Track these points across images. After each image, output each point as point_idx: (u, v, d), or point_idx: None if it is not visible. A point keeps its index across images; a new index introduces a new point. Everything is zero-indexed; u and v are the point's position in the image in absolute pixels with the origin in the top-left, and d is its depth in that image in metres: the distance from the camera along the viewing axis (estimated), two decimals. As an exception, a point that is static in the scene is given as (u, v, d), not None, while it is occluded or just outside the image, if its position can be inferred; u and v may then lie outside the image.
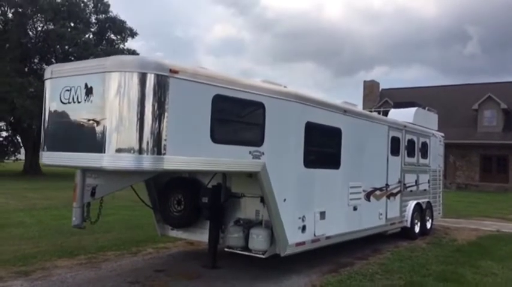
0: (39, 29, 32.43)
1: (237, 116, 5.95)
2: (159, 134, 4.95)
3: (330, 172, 7.60)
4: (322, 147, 7.61)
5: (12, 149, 36.77)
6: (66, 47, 32.52)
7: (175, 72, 5.06)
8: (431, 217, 11.61)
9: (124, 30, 34.37)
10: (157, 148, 4.93)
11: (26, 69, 30.84)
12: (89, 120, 5.08)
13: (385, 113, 11.59)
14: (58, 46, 32.51)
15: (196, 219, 7.13)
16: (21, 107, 26.65)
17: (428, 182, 11.64)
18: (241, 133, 6.01)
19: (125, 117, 4.91)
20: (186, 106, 5.19)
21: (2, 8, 30.98)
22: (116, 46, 34.66)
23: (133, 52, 35.20)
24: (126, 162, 4.90)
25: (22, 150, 35.57)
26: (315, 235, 7.10)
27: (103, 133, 4.93)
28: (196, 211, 7.03)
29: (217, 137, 5.48)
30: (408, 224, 10.35)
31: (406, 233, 10.43)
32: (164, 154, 4.96)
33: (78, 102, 5.18)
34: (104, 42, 35.11)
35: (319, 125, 7.23)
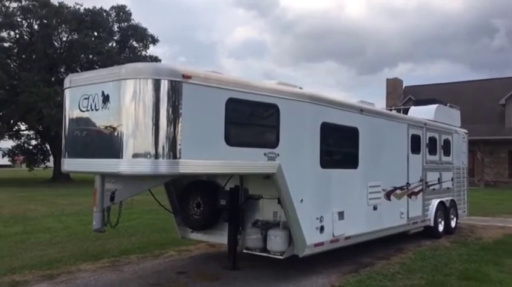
0: (64, 39, 33.34)
1: (251, 119, 6.01)
2: (174, 138, 5.05)
3: (347, 171, 7.58)
4: (339, 147, 7.60)
5: (41, 157, 37.89)
6: (91, 55, 33.31)
7: (188, 77, 5.16)
8: (456, 216, 11.39)
9: (146, 38, 35.00)
10: (173, 152, 5.04)
11: (53, 79, 31.69)
12: (106, 127, 5.24)
13: (406, 111, 11.48)
14: (83, 55, 33.34)
15: (216, 221, 7.21)
16: (49, 116, 27.39)
17: (452, 180, 11.43)
18: (256, 135, 6.07)
19: (140, 123, 5.03)
20: (200, 110, 5.28)
21: (28, 21, 31.96)
22: (138, 53, 35.30)
23: (155, 59, 35.80)
24: (143, 167, 5.02)
25: (51, 158, 36.57)
26: (333, 236, 7.09)
27: (120, 139, 5.07)
28: (215, 214, 7.11)
29: (231, 139, 5.56)
30: (431, 223, 10.20)
31: (429, 232, 10.28)
32: (180, 157, 5.06)
33: (96, 109, 5.34)
34: (127, 50, 35.80)
35: (335, 125, 7.23)
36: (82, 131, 5.55)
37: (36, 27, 32.29)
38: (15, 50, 32.95)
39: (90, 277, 6.67)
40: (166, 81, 5.06)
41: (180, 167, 5.07)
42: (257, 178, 6.64)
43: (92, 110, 5.38)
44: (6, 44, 32.02)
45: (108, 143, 5.18)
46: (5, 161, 52.70)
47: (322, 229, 6.85)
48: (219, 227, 7.26)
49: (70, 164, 5.75)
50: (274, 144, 6.11)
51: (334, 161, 7.36)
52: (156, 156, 5.00)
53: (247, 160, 5.75)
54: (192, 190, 7.38)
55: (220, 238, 7.32)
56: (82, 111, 5.51)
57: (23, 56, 32.96)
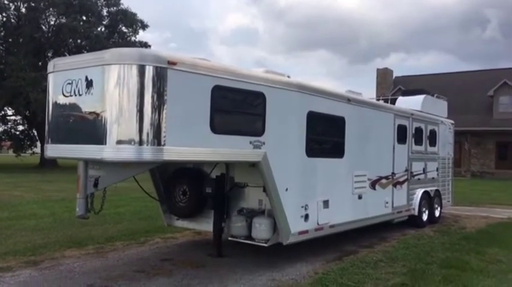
0: (52, 23, 32.87)
1: (237, 107, 5.99)
2: (159, 125, 5.02)
3: (333, 160, 7.61)
4: (325, 136, 7.62)
5: (28, 143, 37.49)
6: (79, 40, 32.87)
7: (174, 63, 5.11)
8: (440, 205, 11.54)
9: (135, 23, 34.60)
10: (157, 139, 5.01)
11: (40, 63, 31.27)
12: (89, 112, 5.18)
13: (394, 101, 11.53)
14: (71, 40, 32.90)
15: (201, 209, 7.21)
16: (36, 101, 27.08)
17: (437, 170, 11.55)
18: (242, 123, 6.05)
19: (124, 109, 4.99)
20: (185, 97, 5.25)
21: (15, 3, 31.40)
22: (128, 39, 34.92)
23: (144, 44, 35.47)
24: (127, 153, 4.99)
25: (38, 143, 36.22)
26: (318, 224, 7.15)
27: (103, 125, 5.03)
28: (201, 201, 7.11)
29: (217, 127, 5.54)
30: (416, 212, 10.32)
31: (413, 222, 10.40)
32: (164, 145, 5.04)
33: (79, 95, 5.28)
34: (116, 35, 35.37)
35: (321, 114, 7.24)
36: (65, 117, 5.49)
37: (23, 10, 31.74)
38: (2, 34, 32.42)
39: (74, 263, 6.66)
40: (151, 67, 5.01)
41: (165, 154, 5.06)
42: (243, 166, 6.64)
43: (76, 95, 5.32)
44: (-8, 27, 31.51)
45: (91, 129, 5.14)
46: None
47: (306, 217, 6.90)
48: (205, 215, 7.26)
49: (53, 150, 5.70)
50: (260, 132, 6.11)
51: (320, 150, 7.38)
52: (141, 143, 4.97)
53: (233, 148, 5.74)
54: (178, 178, 7.37)
55: (205, 226, 7.33)
56: (65, 96, 5.44)
57: (10, 40, 32.43)
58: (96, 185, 5.44)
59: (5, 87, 28.26)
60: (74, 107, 5.36)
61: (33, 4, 30.64)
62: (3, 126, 37.10)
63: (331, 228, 7.52)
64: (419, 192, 10.51)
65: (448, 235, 9.69)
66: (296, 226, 6.68)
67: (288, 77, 7.12)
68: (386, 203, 9.27)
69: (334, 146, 7.78)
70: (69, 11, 31.69)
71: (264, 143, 6.11)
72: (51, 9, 31.58)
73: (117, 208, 12.02)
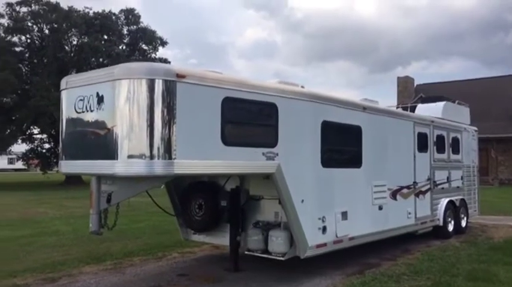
0: (74, 43, 33.63)
1: (248, 118, 5.92)
2: (169, 139, 4.98)
3: (350, 171, 7.45)
4: (341, 146, 7.47)
5: (55, 160, 38.18)
6: (101, 59, 33.52)
7: (182, 76, 5.09)
8: (466, 215, 11.16)
9: (154, 40, 35.16)
10: (168, 152, 4.97)
11: (64, 82, 31.85)
12: (101, 128, 5.19)
13: (413, 109, 11.30)
14: (93, 59, 33.56)
15: (217, 223, 7.13)
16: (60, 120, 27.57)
17: (462, 178, 11.21)
18: (254, 135, 5.97)
19: (135, 123, 4.98)
20: (195, 110, 5.21)
21: (39, 25, 32.32)
22: (148, 56, 35.44)
23: (164, 61, 35.92)
24: (138, 168, 4.97)
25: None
26: (336, 236, 6.97)
27: (115, 140, 5.02)
28: (216, 215, 7.03)
29: (228, 139, 5.47)
30: (440, 223, 9.99)
31: (439, 232, 10.08)
32: (174, 158, 4.99)
33: (91, 111, 5.31)
34: (137, 52, 35.96)
35: (336, 123, 7.10)
36: (78, 133, 5.51)
37: (46, 31, 32.63)
38: (27, 55, 33.35)
39: (91, 279, 6.64)
40: (160, 81, 5.00)
41: (175, 168, 5.01)
42: (258, 178, 6.55)
43: (87, 111, 5.34)
44: (17, 49, 32.44)
45: (103, 145, 5.14)
46: (21, 165, 53.63)
47: (324, 229, 6.73)
48: (221, 229, 7.18)
49: (67, 166, 5.73)
50: (273, 143, 6.01)
51: (336, 160, 7.23)
52: (151, 157, 4.94)
53: (245, 160, 5.66)
54: (193, 191, 7.31)
55: (222, 240, 7.24)
56: (78, 112, 5.48)
57: (35, 61, 33.33)
58: (109, 200, 5.42)
59: (30, 107, 28.94)
60: (86, 123, 5.38)
61: (55, 25, 31.47)
62: (30, 144, 37.93)
63: (351, 240, 7.32)
64: (443, 202, 10.18)
65: (474, 245, 9.34)
66: (313, 239, 6.52)
67: (302, 87, 7.04)
68: (409, 213, 9.00)
69: (351, 155, 7.62)
70: (90, 31, 32.43)
71: (277, 155, 6.01)
72: (73, 29, 32.36)
73: (137, 223, 12.05)
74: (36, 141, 37.91)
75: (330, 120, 6.94)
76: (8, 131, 32.13)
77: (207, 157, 5.28)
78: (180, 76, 5.07)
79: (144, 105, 4.96)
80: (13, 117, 31.58)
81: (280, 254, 6.39)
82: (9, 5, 31.38)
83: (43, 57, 31.97)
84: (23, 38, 32.62)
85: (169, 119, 5.00)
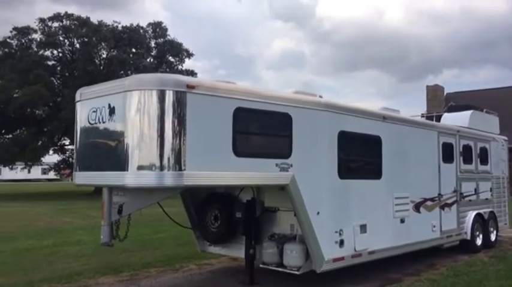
0: (104, 56, 34.43)
1: (261, 129, 5.83)
2: (180, 150, 4.95)
3: (370, 182, 7.23)
4: (360, 156, 7.27)
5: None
6: (129, 71, 34.18)
7: (193, 87, 5.06)
8: (496, 228, 10.69)
9: (181, 52, 35.64)
10: (178, 164, 4.93)
11: (93, 95, 32.61)
12: (112, 139, 5.21)
13: (439, 118, 10.96)
14: (122, 72, 34.25)
15: (233, 234, 7.03)
16: (89, 131, 28.18)
17: (491, 190, 10.76)
18: (267, 146, 5.87)
19: (145, 135, 4.97)
20: (206, 121, 5.16)
21: (70, 39, 33.30)
22: (175, 68, 35.94)
23: (191, 72, 36.36)
24: (148, 179, 4.94)
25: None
26: (355, 250, 6.75)
27: (125, 151, 5.02)
28: (232, 226, 6.94)
29: (240, 150, 5.39)
30: (468, 237, 9.59)
31: (466, 247, 9.67)
32: (185, 169, 4.94)
33: (103, 122, 5.33)
34: (164, 65, 36.53)
35: (354, 133, 6.92)
36: (91, 144, 5.56)
37: (77, 45, 33.56)
38: (58, 68, 34.36)
39: (106, 290, 6.64)
40: (171, 92, 4.99)
41: (185, 179, 4.96)
42: (273, 189, 6.42)
43: (100, 123, 5.38)
44: (50, 63, 33.48)
45: (114, 156, 5.15)
46: (53, 175, 55.07)
47: (342, 243, 6.53)
48: (237, 241, 7.07)
49: (80, 177, 5.77)
50: (287, 154, 5.89)
51: (354, 171, 7.04)
52: (161, 168, 4.91)
53: (258, 171, 5.56)
54: (209, 202, 7.25)
55: (238, 252, 7.13)
56: (91, 124, 5.52)
57: (66, 74, 34.30)
58: (120, 211, 5.41)
59: (62, 119, 29.70)
60: (98, 134, 5.41)
61: (86, 39, 32.34)
62: (62, 155, 38.91)
63: (371, 254, 7.08)
64: (471, 214, 9.78)
65: (504, 260, 8.90)
66: (330, 253, 6.32)
67: (320, 97, 6.90)
68: (434, 226, 8.67)
69: (370, 166, 7.41)
70: (119, 44, 33.19)
71: (291, 166, 5.88)
72: (102, 43, 33.18)
73: (158, 233, 12.08)
74: (67, 152, 38.88)
75: (348, 131, 6.77)
76: (40, 142, 33.06)
77: (217, 168, 5.21)
78: (190, 87, 5.04)
79: (154, 116, 4.95)
80: (45, 129, 32.49)
81: (295, 268, 6.23)
82: (41, 20, 32.50)
83: (74, 70, 32.86)
84: (55, 52, 33.68)
85: (179, 130, 4.97)
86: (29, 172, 57.74)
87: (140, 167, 4.96)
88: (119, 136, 5.11)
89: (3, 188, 43.81)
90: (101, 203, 5.48)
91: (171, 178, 4.94)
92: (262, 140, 5.86)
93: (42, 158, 36.71)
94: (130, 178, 4.98)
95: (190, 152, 4.98)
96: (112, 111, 5.22)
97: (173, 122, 4.96)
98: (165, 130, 4.94)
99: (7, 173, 59.70)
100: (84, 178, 5.72)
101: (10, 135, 33.27)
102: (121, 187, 5.21)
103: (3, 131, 32.99)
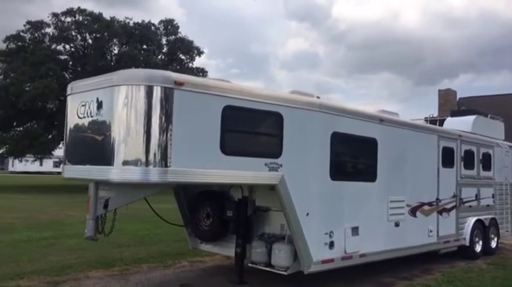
0: (115, 52, 34.65)
1: (251, 128, 5.78)
2: (165, 146, 4.92)
3: (363, 184, 7.14)
4: (354, 158, 7.20)
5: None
6: (140, 68, 34.36)
7: (181, 84, 5.03)
8: (497, 235, 10.51)
9: (192, 50, 35.69)
10: (164, 160, 4.91)
11: (104, 90, 32.82)
12: (99, 133, 5.20)
13: (442, 122, 10.81)
14: (132, 68, 34.45)
15: (224, 233, 6.99)
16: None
17: (493, 196, 10.58)
18: (256, 145, 5.82)
19: (132, 130, 4.95)
20: (193, 118, 5.13)
21: (82, 35, 33.56)
22: (186, 65, 36.02)
23: (201, 70, 36.45)
24: (133, 174, 4.93)
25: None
26: (345, 252, 6.67)
27: (111, 146, 5.01)
28: (223, 225, 6.91)
29: (228, 148, 5.35)
30: (467, 243, 9.45)
31: (464, 253, 9.54)
32: (170, 166, 4.92)
33: (91, 116, 5.33)
34: (174, 62, 36.63)
35: (348, 135, 6.84)
36: (79, 138, 5.56)
37: (89, 40, 33.82)
38: (70, 63, 34.66)
39: (95, 285, 6.66)
40: (158, 88, 4.96)
41: (170, 176, 4.94)
42: (264, 189, 6.37)
43: (88, 117, 5.38)
44: (62, 57, 33.78)
45: (100, 150, 5.14)
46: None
47: (331, 244, 6.46)
48: (228, 239, 7.03)
49: (68, 171, 5.78)
50: (277, 154, 5.84)
51: (348, 173, 6.97)
52: (147, 164, 4.89)
53: (246, 170, 5.51)
54: (202, 200, 7.22)
55: (229, 251, 7.09)
56: (80, 118, 5.52)
57: (78, 69, 34.56)
58: (106, 206, 5.41)
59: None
60: (86, 128, 5.41)
61: (98, 35, 32.60)
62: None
63: (362, 257, 7.00)
64: (471, 220, 9.63)
65: (502, 268, 8.76)
66: (319, 254, 6.26)
67: (318, 97, 6.84)
68: (430, 231, 8.55)
69: (364, 169, 7.33)
70: (130, 41, 33.38)
71: (281, 165, 5.83)
72: (114, 39, 33.39)
73: (157, 229, 12.08)
74: (76, 146, 39.18)
75: (341, 132, 6.70)
76: (50, 135, 33.38)
77: (204, 165, 5.18)
78: (178, 83, 5.02)
79: (141, 112, 4.93)
80: (55, 123, 32.78)
81: (283, 269, 6.18)
82: (55, 15, 32.80)
83: (85, 65, 33.09)
84: (67, 46, 33.95)
85: (166, 126, 4.94)
86: (41, 164, 58.36)
87: (125, 163, 4.94)
88: (105, 131, 5.10)
89: (14, 180, 44.41)
90: (87, 197, 5.48)
91: (156, 174, 4.91)
92: (252, 139, 5.81)
93: (52, 152, 37.05)
94: (115, 172, 4.96)
95: (176, 148, 4.95)
96: (100, 105, 5.22)
97: (160, 118, 4.94)
98: (151, 126, 4.92)
99: (20, 166, 60.42)
100: (72, 171, 5.72)
101: (21, 128, 33.64)
102: (106, 182, 5.20)
103: (14, 124, 33.37)
